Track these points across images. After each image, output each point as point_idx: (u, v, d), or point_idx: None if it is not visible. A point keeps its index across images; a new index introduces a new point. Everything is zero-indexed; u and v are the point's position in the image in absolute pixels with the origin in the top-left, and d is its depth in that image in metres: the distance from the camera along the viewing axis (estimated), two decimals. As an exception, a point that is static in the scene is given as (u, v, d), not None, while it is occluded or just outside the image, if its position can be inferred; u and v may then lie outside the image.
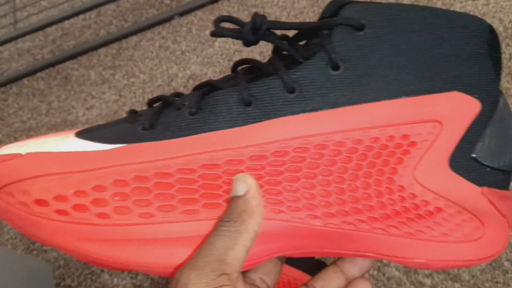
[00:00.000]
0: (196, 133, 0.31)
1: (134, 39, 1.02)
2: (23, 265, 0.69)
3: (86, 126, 0.38)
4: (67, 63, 1.01)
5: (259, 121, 0.31)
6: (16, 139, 0.91)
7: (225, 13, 1.01)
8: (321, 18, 0.34)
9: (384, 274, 0.69)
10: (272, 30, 0.34)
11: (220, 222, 0.30)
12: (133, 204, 0.30)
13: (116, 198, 0.30)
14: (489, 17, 0.88)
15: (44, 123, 0.93)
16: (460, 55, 0.32)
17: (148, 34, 1.02)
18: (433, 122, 0.32)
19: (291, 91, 0.31)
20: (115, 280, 0.73)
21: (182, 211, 0.31)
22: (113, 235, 0.30)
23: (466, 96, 0.32)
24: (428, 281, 0.67)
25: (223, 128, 0.31)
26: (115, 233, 0.30)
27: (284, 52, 0.35)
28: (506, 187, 0.35)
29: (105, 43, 1.02)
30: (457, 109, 0.32)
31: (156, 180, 0.30)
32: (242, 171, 0.31)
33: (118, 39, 1.02)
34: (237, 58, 0.94)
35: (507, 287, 0.66)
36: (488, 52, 0.33)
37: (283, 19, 0.97)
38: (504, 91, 0.80)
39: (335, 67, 0.31)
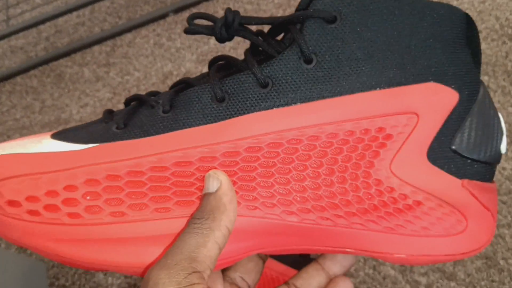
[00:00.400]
0: (169, 131, 0.31)
1: (128, 36, 1.01)
2: (17, 264, 0.69)
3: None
4: (60, 60, 1.01)
5: (232, 117, 0.31)
6: (9, 138, 0.91)
7: (220, 10, 1.00)
8: (296, 11, 0.34)
9: (379, 273, 0.68)
10: (247, 26, 0.34)
11: (192, 219, 0.30)
12: (104, 203, 0.30)
13: (88, 198, 0.30)
14: (485, 15, 0.88)
15: (38, 121, 0.93)
16: (435, 45, 0.32)
17: (143, 31, 1.01)
18: (409, 114, 0.31)
19: (264, 86, 0.31)
20: (110, 279, 0.73)
21: (154, 209, 0.30)
22: (84, 235, 0.30)
23: (442, 87, 0.32)
24: (423, 280, 0.67)
25: (196, 125, 0.31)
26: (86, 232, 0.30)
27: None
28: (489, 179, 0.35)
29: (99, 41, 1.02)
30: (434, 100, 0.31)
31: (128, 178, 0.30)
32: (215, 168, 0.31)
33: (112, 36, 1.02)
34: (232, 55, 0.93)
35: (503, 285, 0.65)
36: (465, 42, 0.33)
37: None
38: (500, 90, 0.80)
39: (308, 61, 0.31)
